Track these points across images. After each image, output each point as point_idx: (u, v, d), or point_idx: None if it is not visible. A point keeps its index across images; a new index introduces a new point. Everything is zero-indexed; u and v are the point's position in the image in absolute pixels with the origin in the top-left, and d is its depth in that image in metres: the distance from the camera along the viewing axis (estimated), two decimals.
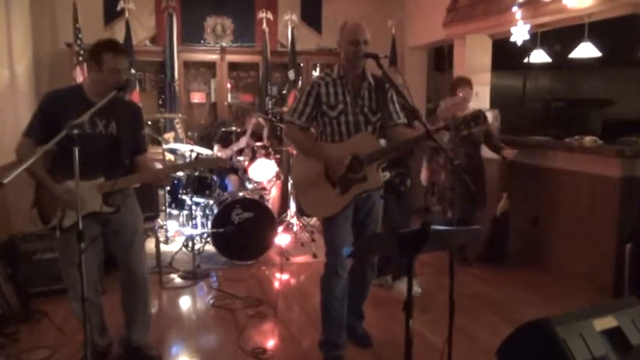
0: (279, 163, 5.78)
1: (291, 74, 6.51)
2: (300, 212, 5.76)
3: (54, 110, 2.67)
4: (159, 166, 3.84)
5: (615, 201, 4.10)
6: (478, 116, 2.66)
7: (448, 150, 3.48)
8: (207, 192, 5.08)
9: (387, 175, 3.66)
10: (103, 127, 2.75)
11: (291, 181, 2.88)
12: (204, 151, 5.22)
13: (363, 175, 2.81)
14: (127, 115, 2.82)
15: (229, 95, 6.82)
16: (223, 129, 5.70)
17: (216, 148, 5.66)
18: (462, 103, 4.51)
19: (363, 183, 2.83)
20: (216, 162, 4.16)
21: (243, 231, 4.80)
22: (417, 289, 3.99)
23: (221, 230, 4.74)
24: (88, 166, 2.39)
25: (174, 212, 5.54)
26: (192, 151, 4.90)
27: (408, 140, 2.85)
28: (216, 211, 4.83)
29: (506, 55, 6.15)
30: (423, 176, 4.81)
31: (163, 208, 5.43)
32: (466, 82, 4.69)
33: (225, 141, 5.63)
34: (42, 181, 2.69)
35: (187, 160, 4.94)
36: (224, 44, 6.68)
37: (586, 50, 4.95)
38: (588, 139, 4.43)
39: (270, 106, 6.49)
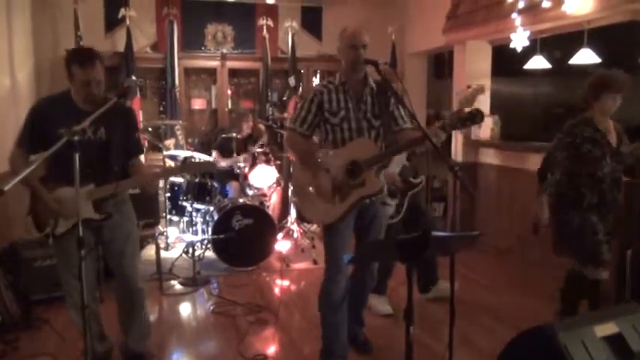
0: (279, 169, 5.79)
1: (292, 80, 6.53)
2: (301, 218, 5.76)
3: (44, 118, 2.66)
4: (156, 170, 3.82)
5: (616, 207, 4.09)
6: (475, 115, 2.58)
7: (447, 156, 3.37)
8: (208, 198, 5.08)
9: (423, 179, 3.75)
10: (91, 133, 2.71)
11: (292, 187, 2.90)
12: (204, 158, 5.23)
13: (362, 180, 2.82)
14: (117, 119, 2.77)
15: (230, 101, 6.84)
16: (224, 135, 5.71)
17: (214, 154, 5.66)
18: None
19: (361, 188, 2.83)
20: (205, 167, 4.12)
21: (243, 237, 4.80)
22: (387, 307, 3.87)
23: (221, 236, 4.74)
24: (85, 171, 2.37)
25: (175, 219, 5.54)
26: (192, 157, 4.91)
27: (404, 143, 2.85)
28: (216, 217, 4.83)
29: (506, 62, 6.16)
30: (542, 214, 3.45)
31: (164, 214, 5.44)
32: (616, 87, 3.20)
33: (225, 148, 5.63)
34: (34, 190, 2.69)
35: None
36: (225, 51, 6.70)
37: (585, 56, 4.96)
38: None
39: (270, 113, 6.50)
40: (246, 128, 5.77)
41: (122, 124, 2.82)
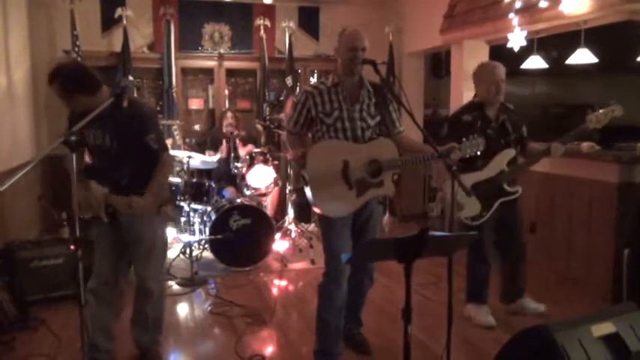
0: (277, 169, 5.78)
1: (289, 80, 6.52)
2: (299, 218, 5.76)
3: (74, 120, 2.73)
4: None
5: (613, 206, 4.11)
6: (479, 144, 2.77)
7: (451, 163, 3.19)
8: (205, 198, 5.08)
9: (520, 189, 3.60)
10: (101, 140, 2.79)
11: (307, 175, 2.85)
12: (202, 158, 5.23)
13: (381, 180, 2.84)
14: (124, 122, 2.75)
15: (227, 101, 6.83)
16: (217, 133, 5.76)
17: (207, 154, 5.69)
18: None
19: (379, 188, 2.85)
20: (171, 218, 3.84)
21: (241, 237, 4.80)
22: (490, 319, 3.70)
23: (219, 237, 4.73)
24: (101, 174, 2.78)
25: None
26: (189, 157, 4.90)
27: (423, 157, 2.85)
28: (214, 217, 4.82)
29: (503, 61, 6.16)
30: None
31: None
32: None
33: (217, 146, 5.73)
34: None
35: (184, 165, 4.94)
36: (222, 51, 6.69)
37: (582, 56, 4.96)
38: (586, 145, 4.43)
39: (267, 113, 6.49)
40: (227, 125, 5.77)
41: (133, 125, 2.77)
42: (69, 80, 2.69)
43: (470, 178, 3.48)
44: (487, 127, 3.51)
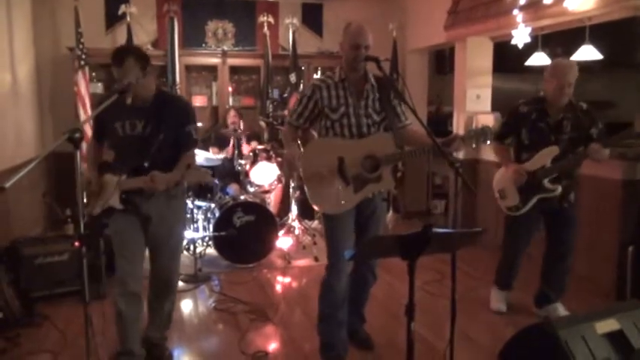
0: (280, 166, 5.78)
1: (293, 77, 6.52)
2: (303, 215, 5.76)
3: (101, 113, 2.71)
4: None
5: (617, 203, 4.10)
6: (486, 132, 2.72)
7: (448, 153, 3.00)
8: (209, 195, 5.08)
9: (559, 188, 3.45)
10: (137, 129, 2.80)
11: (301, 173, 2.86)
12: (205, 155, 5.23)
13: (379, 175, 2.83)
14: (170, 113, 2.82)
15: (231, 99, 6.83)
16: (222, 131, 5.75)
17: (211, 151, 5.69)
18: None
19: (377, 183, 2.85)
20: (203, 176, 3.97)
21: (244, 234, 4.81)
22: (500, 305, 3.84)
23: (223, 233, 4.74)
24: (119, 164, 2.79)
25: None
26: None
27: (424, 149, 2.82)
28: (217, 214, 4.83)
29: (507, 58, 6.15)
30: None
31: None
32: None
33: (222, 144, 5.72)
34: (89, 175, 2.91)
35: None
36: (225, 48, 6.69)
37: (587, 53, 4.95)
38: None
39: (271, 110, 6.49)
40: (230, 123, 5.78)
41: (176, 117, 2.85)
42: (141, 54, 2.79)
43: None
44: (540, 121, 3.46)
